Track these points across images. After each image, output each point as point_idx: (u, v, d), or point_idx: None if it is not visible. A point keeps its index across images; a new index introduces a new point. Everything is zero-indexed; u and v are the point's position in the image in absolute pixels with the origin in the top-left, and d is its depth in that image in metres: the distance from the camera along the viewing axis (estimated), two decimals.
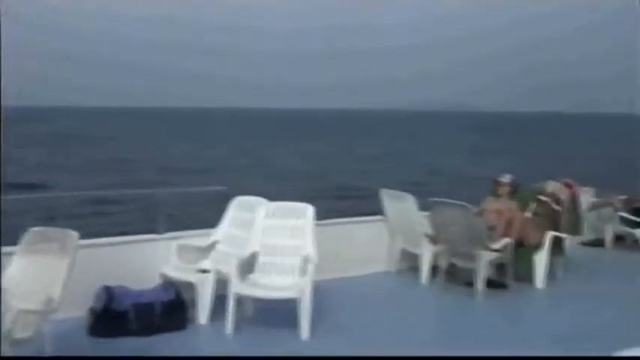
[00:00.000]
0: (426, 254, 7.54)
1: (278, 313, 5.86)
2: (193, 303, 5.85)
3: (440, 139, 65.82)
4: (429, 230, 7.58)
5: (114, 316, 5.44)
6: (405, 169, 34.68)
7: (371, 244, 7.85)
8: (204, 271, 5.91)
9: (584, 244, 9.59)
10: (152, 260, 6.16)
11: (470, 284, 7.13)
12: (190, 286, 5.88)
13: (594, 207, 9.74)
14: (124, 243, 6.32)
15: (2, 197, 6.27)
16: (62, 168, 33.07)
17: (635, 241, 9.51)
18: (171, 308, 5.63)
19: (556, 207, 7.83)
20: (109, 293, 5.55)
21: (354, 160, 39.81)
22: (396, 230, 7.93)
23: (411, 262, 7.87)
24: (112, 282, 5.69)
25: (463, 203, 7.23)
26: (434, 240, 7.51)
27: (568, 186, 8.03)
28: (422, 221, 7.65)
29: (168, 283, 5.90)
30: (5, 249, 5.05)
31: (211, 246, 6.40)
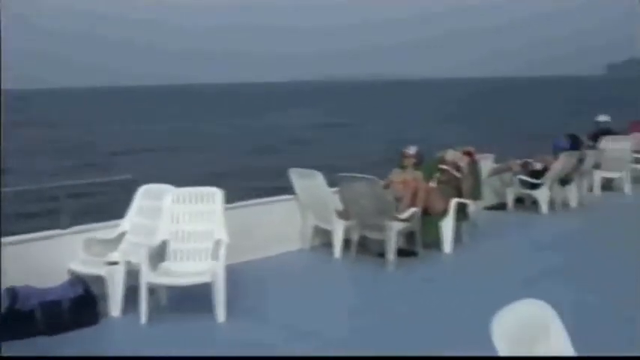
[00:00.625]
0: (338, 229, 7.65)
1: (193, 299, 5.82)
2: (105, 297, 5.73)
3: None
4: (339, 206, 7.70)
5: (19, 317, 5.26)
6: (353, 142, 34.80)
7: (283, 223, 7.89)
8: (114, 264, 5.79)
9: (487, 208, 10.00)
10: (58, 257, 5.97)
11: (382, 255, 7.31)
12: (100, 280, 5.74)
13: (494, 172, 10.15)
14: (26, 241, 6.09)
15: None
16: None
17: (534, 202, 9.98)
18: (80, 304, 5.48)
19: (457, 174, 8.12)
20: (13, 294, 5.35)
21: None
22: (307, 208, 8.01)
23: (324, 238, 7.98)
24: (17, 283, 5.49)
25: (370, 176, 7.38)
26: (344, 215, 7.63)
27: (467, 154, 8.33)
28: (332, 197, 7.75)
29: (76, 279, 5.74)
30: None
31: (119, 237, 6.27)
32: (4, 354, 4.99)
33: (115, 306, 5.73)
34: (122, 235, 6.30)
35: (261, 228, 7.53)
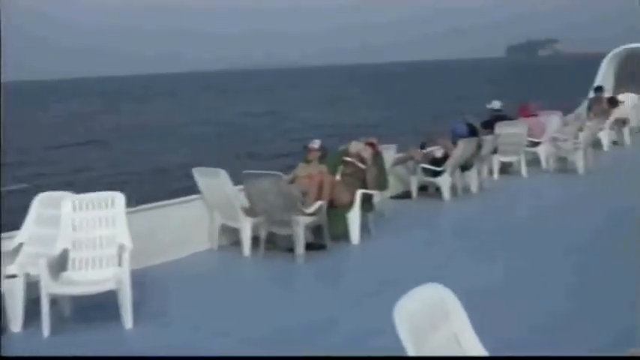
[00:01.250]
0: (245, 227, 7.62)
1: (99, 308, 5.66)
2: (4, 312, 5.49)
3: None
4: (246, 203, 7.67)
5: None
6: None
7: (189, 224, 7.78)
8: (12, 277, 5.55)
9: (393, 197, 10.20)
10: None
11: (291, 250, 7.33)
12: None
13: (398, 162, 10.36)
14: None
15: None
16: None
17: (437, 189, 10.26)
18: None
19: (361, 166, 8.25)
20: None
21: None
22: (213, 207, 7.93)
23: (232, 236, 7.92)
24: None
25: (275, 172, 7.39)
26: (251, 212, 7.61)
27: (370, 145, 8.48)
28: (238, 195, 7.71)
29: None
30: None
31: (17, 249, 6.02)
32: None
33: (15, 321, 5.49)
34: (20, 246, 6.05)
35: (167, 230, 7.40)
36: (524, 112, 13.39)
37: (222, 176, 7.67)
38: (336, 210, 7.79)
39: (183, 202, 7.88)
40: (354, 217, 7.89)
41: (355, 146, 8.39)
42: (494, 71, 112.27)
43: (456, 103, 39.46)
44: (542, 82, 65.77)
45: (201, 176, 7.89)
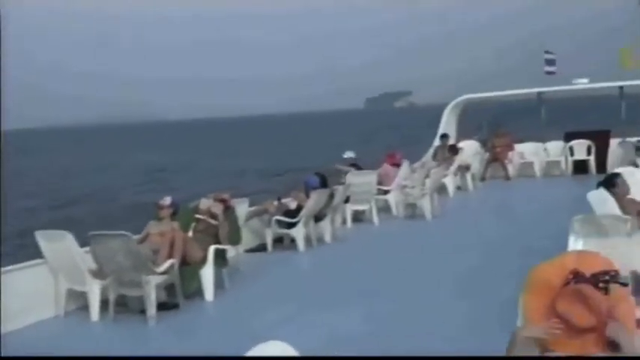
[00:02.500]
0: (93, 290, 7.32)
1: None
2: None
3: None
4: (93, 265, 7.40)
5: None
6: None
7: (33, 290, 7.38)
8: None
9: (248, 251, 10.23)
10: None
11: (143, 311, 7.13)
12: None
13: (252, 215, 10.42)
14: None
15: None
16: None
17: (292, 240, 10.40)
18: None
19: (213, 222, 8.24)
20: None
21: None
22: (58, 271, 7.57)
23: (80, 301, 7.59)
24: None
25: (123, 232, 7.22)
26: (99, 274, 7.34)
27: (221, 200, 8.49)
28: (84, 257, 7.43)
29: None
30: None
31: None
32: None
33: None
34: None
35: (8, 298, 6.96)
36: (391, 159, 14.01)
37: (67, 238, 7.37)
38: (189, 267, 7.70)
39: (25, 267, 7.47)
40: (207, 273, 7.82)
41: (205, 203, 8.38)
42: (355, 121, 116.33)
43: (312, 154, 40.34)
44: (397, 131, 68.90)
45: (44, 240, 7.54)
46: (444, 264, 8.94)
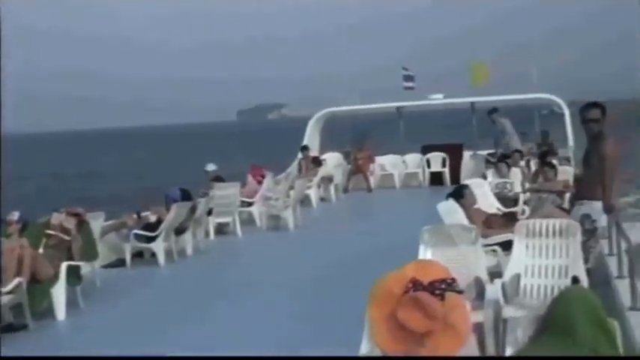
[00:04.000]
0: None
1: None
2: None
3: None
4: None
5: None
6: None
7: None
8: None
9: (105, 266, 9.88)
10: None
11: None
12: None
13: (109, 229, 10.09)
14: None
15: None
16: None
17: (153, 254, 10.16)
18: None
19: (65, 237, 7.90)
20: None
21: None
22: None
23: None
24: None
25: None
26: None
27: (74, 214, 8.16)
28: None
29: None
30: None
31: None
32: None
33: None
34: None
35: None
36: (255, 172, 14.03)
37: None
38: (39, 285, 7.33)
39: None
40: (59, 291, 7.49)
41: (57, 218, 8.00)
42: (225, 134, 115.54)
43: (177, 168, 39.65)
44: (267, 143, 69.10)
45: None
46: (301, 275, 9.06)
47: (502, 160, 13.21)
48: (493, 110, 16.00)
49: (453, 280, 3.35)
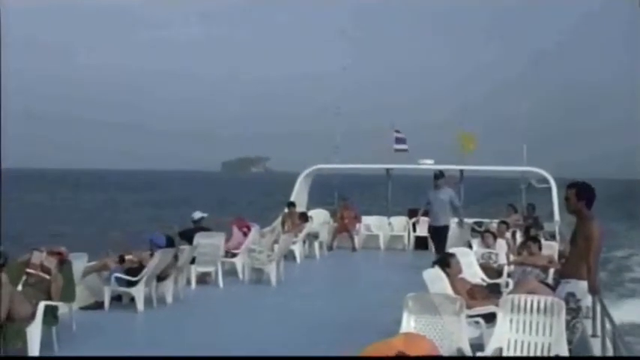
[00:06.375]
0: None
1: None
2: None
3: None
4: None
5: None
6: None
7: None
8: None
9: (83, 308, 9.72)
10: None
11: None
12: None
13: (90, 271, 9.97)
14: None
15: None
16: None
17: (132, 299, 10.02)
18: None
19: (45, 276, 7.79)
20: None
21: None
22: None
23: None
24: None
25: None
26: None
27: (56, 254, 8.06)
28: None
29: None
30: None
31: None
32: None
33: None
34: None
35: None
36: (240, 223, 14.03)
37: None
38: (14, 324, 7.19)
39: None
40: (34, 331, 7.34)
41: (38, 257, 7.89)
42: (209, 184, 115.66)
43: (166, 212, 39.54)
44: (252, 195, 69.26)
45: None
46: (276, 333, 8.95)
47: (488, 230, 13.28)
48: (440, 175, 14.81)
49: (439, 358, 3.34)
